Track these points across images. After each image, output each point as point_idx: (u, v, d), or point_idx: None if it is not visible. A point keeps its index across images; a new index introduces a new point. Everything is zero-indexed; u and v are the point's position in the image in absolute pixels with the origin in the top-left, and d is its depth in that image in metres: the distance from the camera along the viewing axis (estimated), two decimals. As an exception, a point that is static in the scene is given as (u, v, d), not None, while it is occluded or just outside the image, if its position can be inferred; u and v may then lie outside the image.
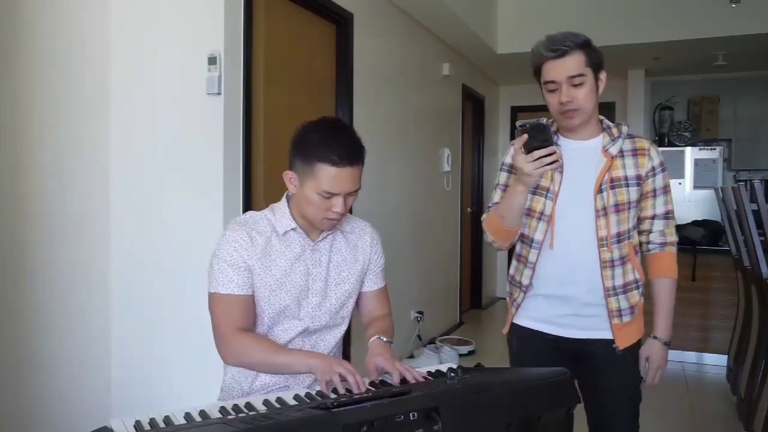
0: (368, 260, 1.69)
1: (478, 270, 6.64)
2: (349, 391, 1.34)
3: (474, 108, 6.49)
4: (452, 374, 1.35)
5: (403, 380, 1.40)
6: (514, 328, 1.88)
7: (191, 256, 2.58)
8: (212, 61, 2.51)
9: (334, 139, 1.45)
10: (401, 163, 4.43)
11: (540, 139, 1.55)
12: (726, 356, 4.17)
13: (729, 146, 6.59)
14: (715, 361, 4.48)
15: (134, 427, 1.12)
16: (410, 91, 4.60)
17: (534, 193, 1.74)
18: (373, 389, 1.36)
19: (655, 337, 1.81)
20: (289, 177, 1.53)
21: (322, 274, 1.60)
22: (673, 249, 1.80)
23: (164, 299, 2.67)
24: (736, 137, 6.57)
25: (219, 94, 2.53)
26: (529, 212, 1.76)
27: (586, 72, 1.65)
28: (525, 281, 1.80)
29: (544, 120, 1.56)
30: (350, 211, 1.68)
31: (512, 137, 7.28)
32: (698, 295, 4.55)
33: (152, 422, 1.14)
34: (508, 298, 1.93)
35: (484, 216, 1.86)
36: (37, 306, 2.47)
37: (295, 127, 1.55)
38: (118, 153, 2.73)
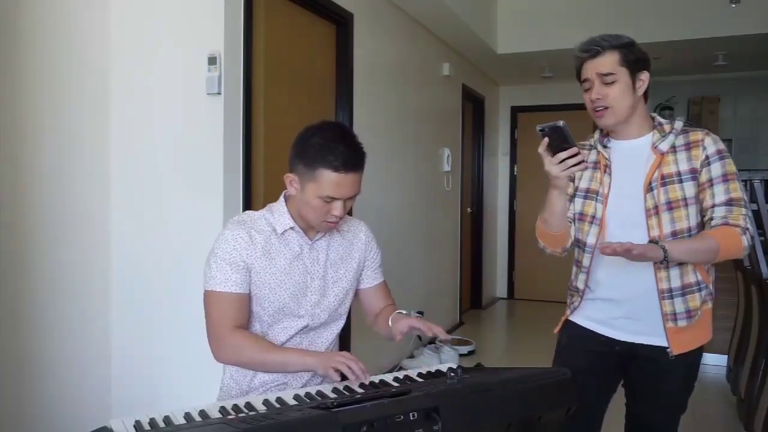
0: (364, 257, 1.72)
1: (478, 270, 6.64)
2: (348, 389, 1.34)
3: (474, 108, 6.48)
4: (452, 374, 1.35)
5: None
6: (568, 324, 1.86)
7: (191, 256, 2.57)
8: (212, 61, 2.51)
9: (337, 145, 1.46)
10: (401, 163, 4.42)
11: (560, 140, 1.54)
12: (726, 356, 4.17)
13: (729, 146, 6.58)
14: (715, 361, 4.47)
15: (134, 427, 1.12)
16: (410, 91, 4.60)
17: (585, 197, 1.74)
18: (373, 389, 1.36)
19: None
20: (290, 180, 1.54)
21: (320, 272, 1.62)
22: (738, 230, 1.58)
23: (164, 299, 2.66)
24: (736, 137, 6.57)
25: (219, 94, 2.53)
26: (581, 217, 1.75)
27: (618, 71, 1.64)
28: (581, 285, 1.78)
29: (560, 122, 1.54)
30: (350, 212, 1.69)
31: (512, 137, 7.30)
32: (698, 295, 4.53)
33: (152, 422, 1.14)
34: (568, 300, 1.90)
35: (537, 223, 1.83)
36: (37, 306, 2.47)
37: (298, 131, 1.55)
38: (118, 153, 2.73)
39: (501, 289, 7.38)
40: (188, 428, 1.10)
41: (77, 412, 2.60)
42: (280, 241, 1.57)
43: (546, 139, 1.55)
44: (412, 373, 1.48)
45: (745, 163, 6.55)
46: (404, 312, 1.60)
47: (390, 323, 1.59)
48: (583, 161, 1.55)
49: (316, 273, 1.61)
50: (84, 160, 2.64)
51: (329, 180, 1.46)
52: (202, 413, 1.19)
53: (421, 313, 4.60)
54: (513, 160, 7.29)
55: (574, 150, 1.54)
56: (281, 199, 1.62)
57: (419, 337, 4.64)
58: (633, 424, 1.86)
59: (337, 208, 1.50)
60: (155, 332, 2.69)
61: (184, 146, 2.62)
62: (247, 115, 2.68)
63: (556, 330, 1.90)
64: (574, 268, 1.84)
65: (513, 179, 7.28)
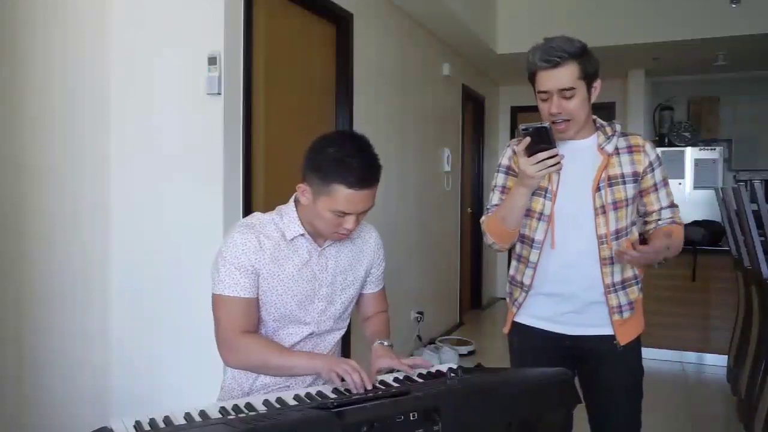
0: (371, 264, 1.70)
1: (478, 270, 6.64)
2: (348, 390, 1.34)
3: (474, 108, 6.49)
4: (452, 374, 1.35)
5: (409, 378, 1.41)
6: (515, 326, 1.89)
7: (191, 257, 2.58)
8: (212, 61, 2.51)
9: (352, 160, 1.41)
10: (401, 163, 4.43)
11: (542, 141, 1.56)
12: (726, 356, 4.17)
13: (729, 146, 6.58)
14: (715, 361, 4.47)
15: (134, 427, 1.12)
16: (410, 91, 4.60)
17: (533, 193, 1.76)
18: (373, 390, 1.36)
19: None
20: (302, 190, 1.50)
21: (328, 280, 1.59)
22: (682, 229, 1.79)
23: (164, 299, 2.66)
24: (736, 137, 6.57)
25: (219, 94, 2.53)
26: (528, 213, 1.77)
27: (578, 85, 1.66)
28: (526, 281, 1.81)
29: (546, 123, 1.58)
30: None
31: (512, 137, 7.29)
32: (698, 295, 4.54)
33: (152, 422, 1.14)
34: (508, 299, 1.94)
35: (483, 218, 1.87)
36: (37, 306, 2.47)
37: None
38: (118, 153, 2.72)
39: (501, 289, 7.37)
40: (188, 428, 1.10)
41: (77, 412, 2.60)
42: (289, 247, 1.54)
43: (528, 139, 1.57)
44: (412, 374, 1.48)
45: (745, 163, 6.55)
46: (385, 343, 1.59)
47: (372, 349, 1.58)
48: (560, 162, 1.58)
49: (324, 280, 1.58)
50: (84, 160, 2.64)
51: (343, 196, 1.42)
52: (202, 413, 1.19)
53: (420, 313, 4.62)
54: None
55: (554, 150, 1.56)
56: (291, 203, 1.59)
57: (419, 337, 4.64)
58: (597, 419, 1.87)
59: (350, 221, 1.47)
60: (155, 332, 2.69)
61: (184, 146, 2.62)
62: (247, 115, 2.68)
63: (506, 330, 1.93)
64: (516, 263, 1.87)
65: (513, 179, 7.27)
